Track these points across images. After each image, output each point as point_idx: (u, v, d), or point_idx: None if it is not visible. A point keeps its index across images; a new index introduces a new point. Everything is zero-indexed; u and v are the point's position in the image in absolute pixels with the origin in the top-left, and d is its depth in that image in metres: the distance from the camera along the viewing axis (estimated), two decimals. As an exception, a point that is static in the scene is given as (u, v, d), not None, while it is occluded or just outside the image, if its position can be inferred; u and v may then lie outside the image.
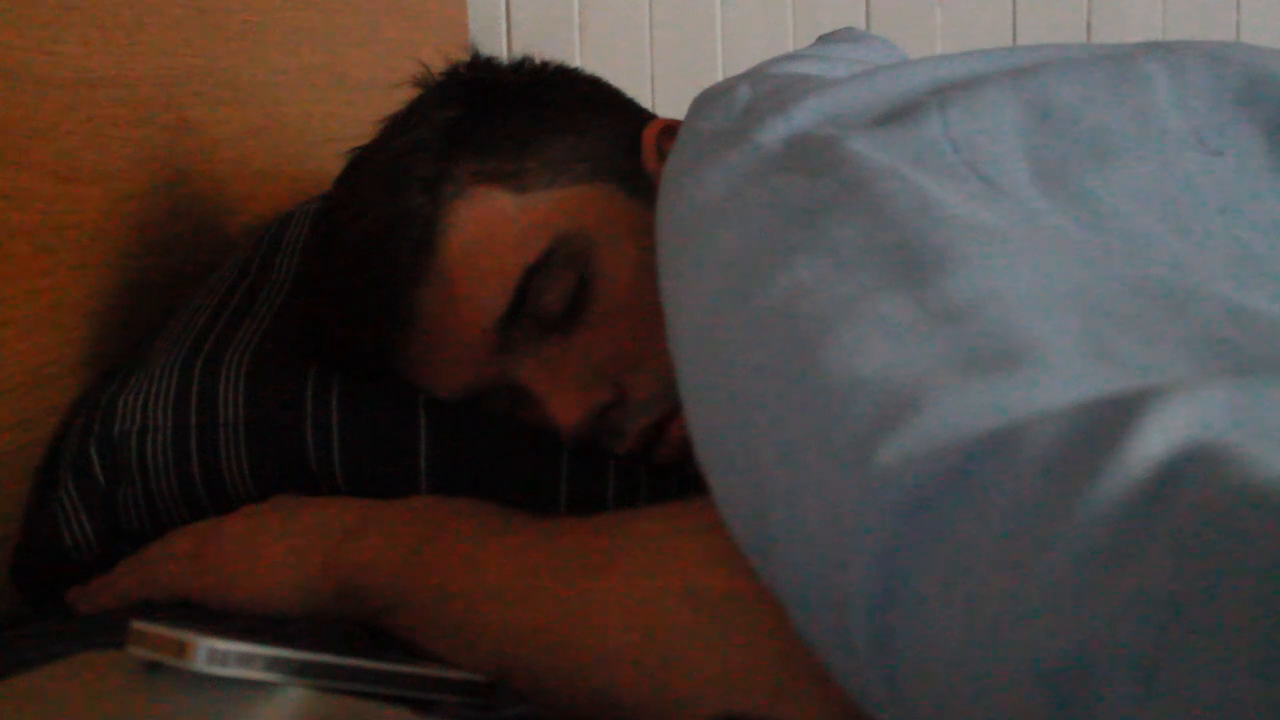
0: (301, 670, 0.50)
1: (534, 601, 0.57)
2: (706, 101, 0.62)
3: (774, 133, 0.54)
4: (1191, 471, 0.33)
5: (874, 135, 0.53)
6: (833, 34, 0.74)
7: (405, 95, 0.83)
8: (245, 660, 0.48)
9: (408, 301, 0.74)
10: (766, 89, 0.60)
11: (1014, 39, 1.70)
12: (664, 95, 1.75)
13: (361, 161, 0.80)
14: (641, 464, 0.77)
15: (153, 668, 0.49)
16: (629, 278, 0.74)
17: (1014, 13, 1.73)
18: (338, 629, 0.66)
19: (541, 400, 0.75)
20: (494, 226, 0.74)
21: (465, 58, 0.84)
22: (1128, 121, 0.53)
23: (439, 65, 0.83)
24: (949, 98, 0.54)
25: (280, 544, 0.69)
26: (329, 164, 0.86)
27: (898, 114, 0.54)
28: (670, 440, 0.75)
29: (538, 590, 0.57)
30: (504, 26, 1.77)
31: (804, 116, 0.55)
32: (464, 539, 0.63)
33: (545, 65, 0.83)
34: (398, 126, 0.80)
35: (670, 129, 0.78)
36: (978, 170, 0.51)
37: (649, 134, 0.78)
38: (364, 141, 0.82)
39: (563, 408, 0.74)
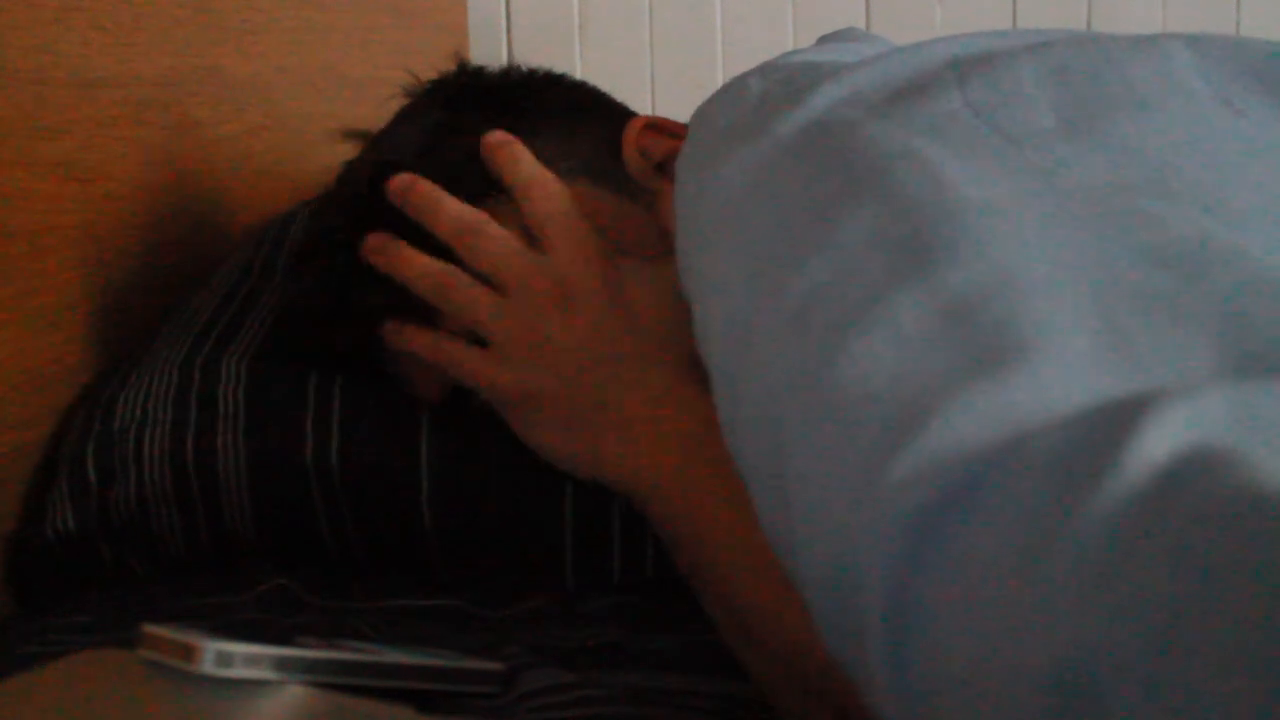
0: (309, 668, 0.50)
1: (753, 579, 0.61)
2: (718, 98, 0.63)
3: (790, 123, 0.54)
4: (1191, 475, 0.33)
5: (890, 111, 0.52)
6: (834, 34, 0.74)
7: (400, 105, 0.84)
8: (252, 661, 0.49)
9: (408, 302, 0.75)
10: (778, 79, 0.60)
11: (1014, 39, 1.70)
12: (664, 95, 1.75)
13: (349, 167, 0.82)
14: None
15: (157, 665, 0.49)
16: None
17: (1014, 13, 1.73)
18: (347, 622, 0.67)
19: None
20: None
21: (453, 68, 0.85)
22: (1149, 78, 0.53)
23: (430, 75, 0.84)
24: (966, 70, 0.54)
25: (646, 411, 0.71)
26: (329, 164, 0.86)
27: (914, 88, 0.54)
28: None
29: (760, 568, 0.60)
30: (504, 27, 1.77)
31: (819, 101, 0.55)
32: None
33: (533, 72, 0.84)
34: (383, 134, 0.82)
35: (653, 125, 0.78)
36: (1000, 127, 0.51)
37: (629, 133, 0.78)
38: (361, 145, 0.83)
39: None
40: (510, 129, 0.77)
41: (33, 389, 0.81)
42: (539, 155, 0.76)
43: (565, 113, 0.80)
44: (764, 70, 0.62)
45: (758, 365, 0.47)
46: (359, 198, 0.78)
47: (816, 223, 0.48)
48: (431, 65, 0.87)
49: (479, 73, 0.84)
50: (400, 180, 0.75)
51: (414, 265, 0.74)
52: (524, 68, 0.84)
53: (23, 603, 0.79)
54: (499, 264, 0.73)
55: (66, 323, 0.85)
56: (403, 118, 0.82)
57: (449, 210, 0.74)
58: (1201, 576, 0.31)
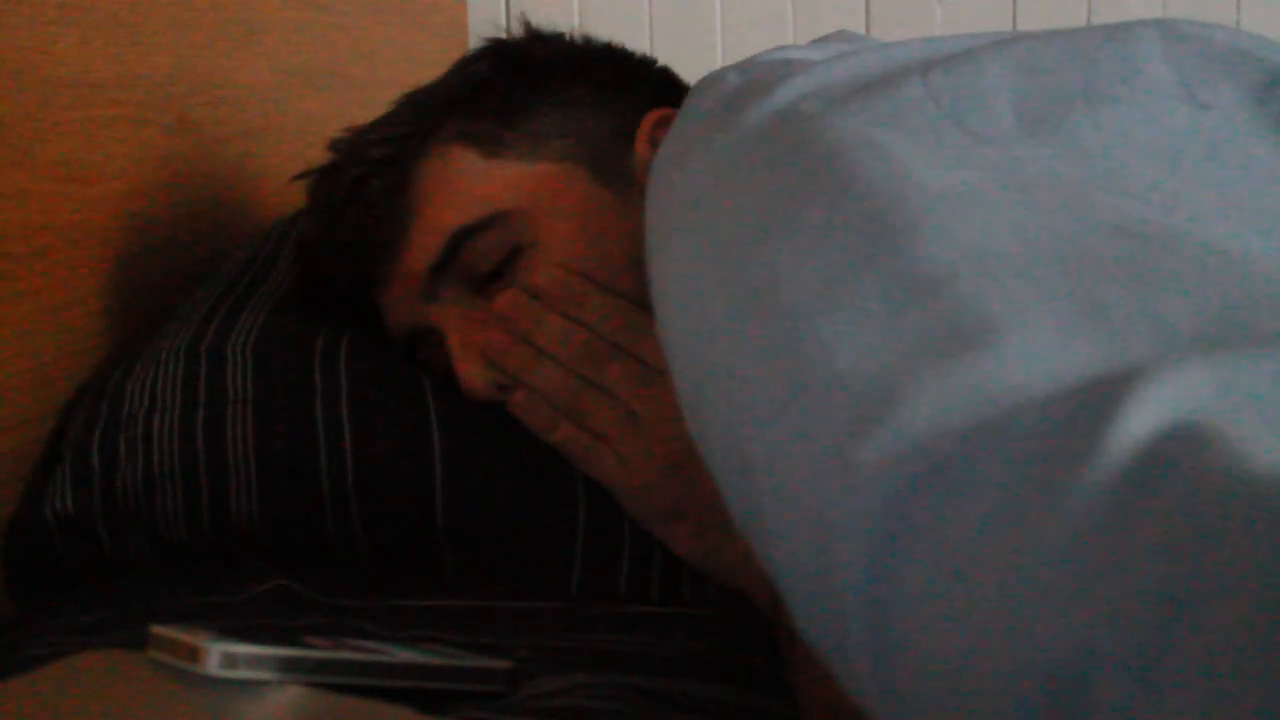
0: (315, 668, 0.50)
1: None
2: (698, 91, 0.63)
3: (756, 113, 0.55)
4: (1177, 455, 0.32)
5: (851, 102, 0.53)
6: (827, 36, 0.75)
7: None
8: (257, 662, 0.49)
9: (377, 229, 0.79)
10: (754, 75, 0.60)
11: (1014, 39, 1.70)
12: (664, 95, 1.74)
13: (400, 106, 0.86)
14: None
15: (162, 665, 0.49)
16: (563, 261, 0.76)
17: (1014, 13, 1.73)
18: (352, 622, 0.66)
19: (451, 355, 0.77)
20: (453, 182, 0.78)
21: (523, 31, 0.90)
22: (1115, 72, 0.54)
23: (429, 76, 0.88)
24: (932, 64, 0.55)
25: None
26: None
27: (880, 81, 0.55)
28: None
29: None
30: (504, 27, 1.76)
31: (786, 93, 0.55)
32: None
33: (589, 41, 0.88)
34: (441, 80, 0.86)
35: (667, 119, 0.79)
36: (961, 122, 0.51)
37: (643, 126, 0.80)
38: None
39: (467, 371, 0.76)
40: (528, 96, 0.80)
41: (33, 388, 0.81)
42: (541, 129, 0.79)
43: (594, 89, 0.82)
44: (744, 66, 0.63)
45: (721, 349, 0.47)
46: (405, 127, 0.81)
47: (777, 209, 0.49)
48: (432, 65, 0.87)
49: (538, 35, 0.88)
50: (560, 272, 0.75)
51: (545, 377, 0.75)
52: (582, 38, 0.88)
53: (18, 591, 0.79)
54: (630, 395, 0.74)
55: (66, 323, 0.84)
56: (457, 68, 0.86)
57: (599, 307, 0.75)
58: (1194, 568, 0.30)
